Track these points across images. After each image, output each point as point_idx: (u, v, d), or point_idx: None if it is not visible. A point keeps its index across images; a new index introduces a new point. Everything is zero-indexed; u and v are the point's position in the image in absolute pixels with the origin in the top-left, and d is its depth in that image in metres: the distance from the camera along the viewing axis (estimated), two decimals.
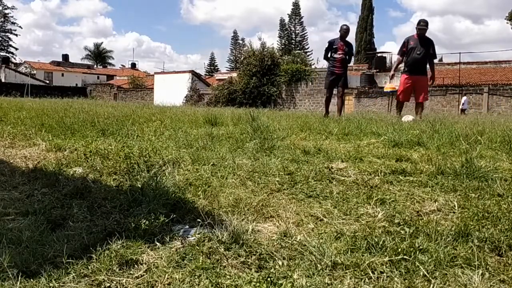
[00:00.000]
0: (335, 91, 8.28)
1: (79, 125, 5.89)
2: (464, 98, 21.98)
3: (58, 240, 2.08)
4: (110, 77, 54.73)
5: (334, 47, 7.97)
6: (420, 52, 7.27)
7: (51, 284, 1.68)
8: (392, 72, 8.17)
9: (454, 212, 2.38)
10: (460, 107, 21.56)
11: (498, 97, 20.68)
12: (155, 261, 1.88)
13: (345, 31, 8.08)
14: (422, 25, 7.30)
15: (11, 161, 3.94)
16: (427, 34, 7.42)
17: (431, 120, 5.92)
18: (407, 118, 6.98)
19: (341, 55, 7.96)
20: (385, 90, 8.30)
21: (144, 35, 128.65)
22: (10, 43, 57.56)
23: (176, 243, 2.05)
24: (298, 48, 52.66)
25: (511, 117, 8.40)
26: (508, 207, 2.37)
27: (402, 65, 7.96)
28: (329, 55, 8.11)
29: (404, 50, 7.44)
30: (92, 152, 3.81)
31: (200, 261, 1.86)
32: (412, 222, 2.25)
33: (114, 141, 4.50)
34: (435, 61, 8.05)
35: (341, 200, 2.64)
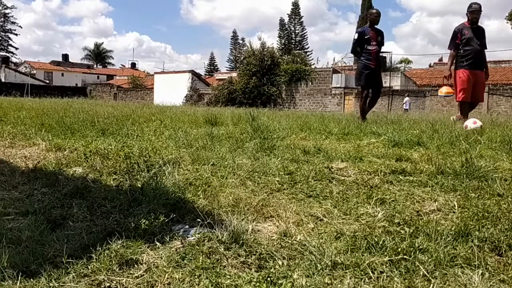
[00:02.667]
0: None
1: (79, 125, 5.89)
2: (406, 99, 22.49)
3: (58, 240, 2.08)
4: (110, 77, 54.76)
5: (366, 37, 6.64)
6: (479, 42, 6.13)
7: (51, 284, 1.68)
8: (448, 72, 6.52)
9: (454, 212, 2.38)
10: (404, 107, 22.05)
11: (498, 97, 20.68)
12: (155, 261, 1.88)
13: (376, 16, 6.72)
14: (475, 8, 6.07)
15: (11, 161, 3.94)
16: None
17: (430, 120, 5.92)
18: (475, 123, 5.28)
19: (375, 47, 6.66)
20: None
21: (145, 35, 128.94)
22: (10, 42, 57.62)
23: (176, 243, 2.04)
24: (298, 48, 52.66)
25: (511, 117, 8.39)
26: (508, 207, 2.37)
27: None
28: (358, 48, 6.78)
29: (457, 42, 6.21)
30: (92, 152, 3.80)
31: (200, 261, 1.86)
32: (412, 222, 2.25)
33: (114, 141, 4.50)
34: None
35: (341, 200, 2.63)
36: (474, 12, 6.10)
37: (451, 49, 6.38)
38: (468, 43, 6.15)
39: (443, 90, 6.95)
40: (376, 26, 6.76)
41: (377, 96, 6.91)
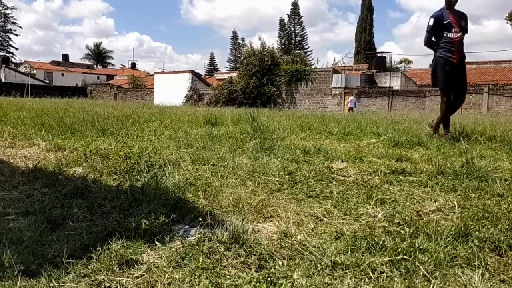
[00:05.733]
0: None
1: (79, 125, 5.90)
2: (351, 98, 23.23)
3: (58, 240, 2.08)
4: (110, 77, 54.73)
5: (445, 22, 4.88)
6: None
7: (51, 284, 1.68)
8: None
9: (454, 212, 2.38)
10: (348, 105, 22.80)
11: (498, 97, 20.65)
12: (155, 261, 1.88)
13: None
14: None
15: (11, 161, 3.94)
16: None
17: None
18: None
19: (458, 34, 4.88)
20: None
21: (145, 35, 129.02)
22: (10, 43, 57.58)
23: (176, 243, 2.04)
24: (298, 48, 52.64)
25: (511, 117, 8.39)
26: (508, 207, 2.37)
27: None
28: (434, 38, 5.03)
29: None
30: (92, 152, 3.80)
31: (200, 261, 1.86)
32: (412, 222, 2.25)
33: (114, 141, 4.50)
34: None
35: (341, 200, 2.64)
36: None
37: None
38: None
39: None
40: (456, 8, 5.02)
41: (461, 100, 4.98)
